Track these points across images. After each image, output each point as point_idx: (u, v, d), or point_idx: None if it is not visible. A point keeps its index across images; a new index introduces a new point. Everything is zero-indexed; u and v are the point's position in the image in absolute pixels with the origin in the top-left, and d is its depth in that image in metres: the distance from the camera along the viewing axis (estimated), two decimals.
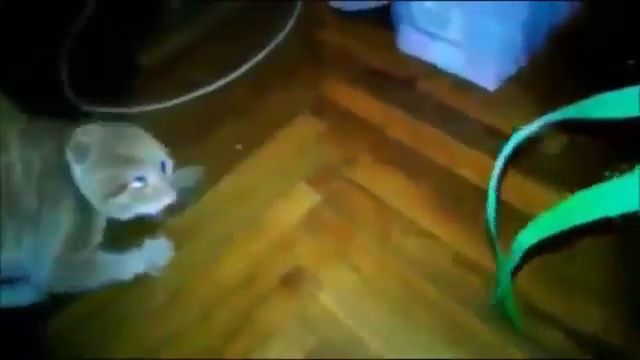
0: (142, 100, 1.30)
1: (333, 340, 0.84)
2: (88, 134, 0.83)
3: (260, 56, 1.37)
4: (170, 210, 0.91)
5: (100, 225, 0.91)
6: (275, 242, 0.98)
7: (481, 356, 0.79)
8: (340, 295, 0.89)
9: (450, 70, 1.21)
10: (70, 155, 0.82)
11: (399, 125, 1.14)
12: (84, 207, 0.86)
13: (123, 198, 0.84)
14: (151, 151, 0.88)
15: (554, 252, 0.88)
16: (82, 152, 0.82)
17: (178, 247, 0.98)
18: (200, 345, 0.86)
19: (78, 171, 0.83)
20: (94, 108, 1.29)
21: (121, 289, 0.93)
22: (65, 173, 0.83)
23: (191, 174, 1.04)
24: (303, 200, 1.04)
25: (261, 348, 0.84)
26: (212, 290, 0.93)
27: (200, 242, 1.00)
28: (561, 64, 1.17)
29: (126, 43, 1.48)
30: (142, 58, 1.44)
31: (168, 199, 0.88)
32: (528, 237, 0.60)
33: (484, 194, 0.97)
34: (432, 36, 1.20)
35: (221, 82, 1.32)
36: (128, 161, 0.84)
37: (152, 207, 0.88)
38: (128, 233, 0.95)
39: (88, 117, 1.24)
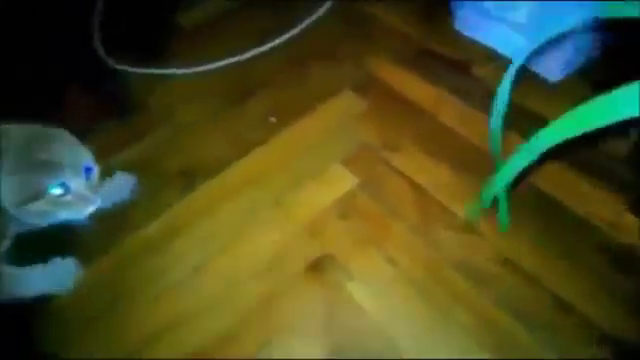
0: (176, 62, 1.24)
1: (360, 336, 0.78)
2: (5, 136, 0.76)
3: (301, 27, 1.29)
4: (96, 217, 0.83)
5: (8, 233, 0.84)
6: (304, 225, 0.91)
7: (515, 357, 0.74)
8: (371, 288, 0.83)
9: (511, 56, 1.11)
10: None
11: (449, 111, 1.06)
12: None
13: (41, 205, 0.78)
14: (73, 156, 0.80)
15: (611, 264, 0.83)
16: None
17: (195, 222, 0.93)
18: (216, 328, 0.81)
19: None
20: (125, 67, 1.24)
21: (136, 260, 0.89)
22: None
23: (124, 183, 0.98)
24: (337, 182, 0.97)
25: (279, 339, 0.78)
26: (233, 270, 0.87)
27: (221, 217, 0.94)
28: (633, 60, 1.06)
29: (162, 3, 1.43)
30: (179, 20, 1.38)
31: (92, 207, 0.81)
32: (550, 134, 0.60)
33: (535, 192, 0.90)
34: (494, 19, 1.11)
35: (258, 50, 1.25)
36: (47, 166, 0.77)
37: (74, 214, 0.81)
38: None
39: (117, 76, 1.21)
